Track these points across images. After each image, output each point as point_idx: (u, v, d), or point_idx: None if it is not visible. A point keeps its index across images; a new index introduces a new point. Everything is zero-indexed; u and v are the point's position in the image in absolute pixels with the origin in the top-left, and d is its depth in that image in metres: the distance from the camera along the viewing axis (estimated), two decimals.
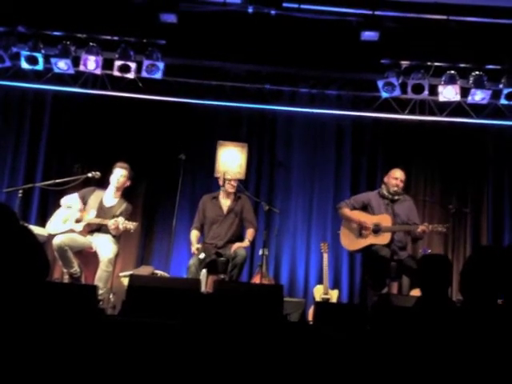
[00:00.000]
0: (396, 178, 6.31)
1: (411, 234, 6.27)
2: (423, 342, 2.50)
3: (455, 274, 5.77)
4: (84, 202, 6.20)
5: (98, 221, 6.02)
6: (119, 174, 6.23)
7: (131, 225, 5.90)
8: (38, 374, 2.08)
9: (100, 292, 5.56)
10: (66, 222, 6.10)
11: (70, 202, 6.20)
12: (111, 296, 6.05)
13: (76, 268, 5.88)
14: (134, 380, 3.38)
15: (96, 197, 6.21)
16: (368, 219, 6.25)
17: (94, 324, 3.67)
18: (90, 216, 6.06)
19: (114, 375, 3.18)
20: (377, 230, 6.17)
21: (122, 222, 5.86)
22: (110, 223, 5.87)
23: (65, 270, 5.95)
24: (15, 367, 2.04)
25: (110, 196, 6.26)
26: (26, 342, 2.09)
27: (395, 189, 6.28)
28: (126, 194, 6.50)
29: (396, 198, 6.30)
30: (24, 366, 2.06)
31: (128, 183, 6.36)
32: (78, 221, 6.06)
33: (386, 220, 6.19)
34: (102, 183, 6.42)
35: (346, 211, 6.37)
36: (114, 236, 6.08)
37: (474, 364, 2.34)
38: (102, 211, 6.11)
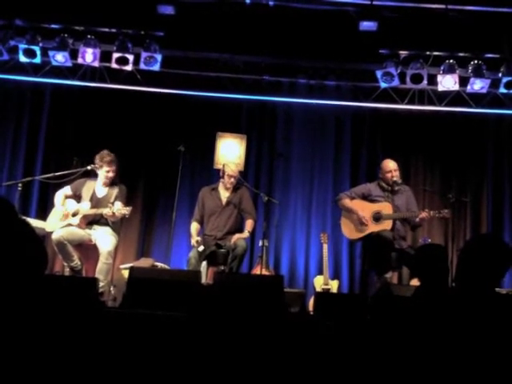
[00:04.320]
0: (390, 171, 6.31)
1: (410, 222, 6.27)
2: (422, 331, 2.51)
3: (455, 263, 5.76)
4: (77, 194, 6.18)
5: (93, 211, 6.00)
6: (108, 172, 6.15)
7: (126, 210, 5.88)
8: (39, 366, 2.09)
9: (101, 284, 5.56)
10: (62, 218, 6.09)
11: (60, 198, 6.19)
12: (112, 288, 6.06)
13: (76, 261, 5.88)
14: (135, 372, 3.39)
15: (88, 188, 6.18)
16: (369, 208, 6.26)
17: (95, 316, 3.68)
18: (85, 208, 6.04)
19: (115, 367, 3.19)
20: (378, 217, 6.18)
21: (116, 209, 5.85)
22: (105, 212, 5.86)
23: (65, 264, 5.95)
24: (15, 360, 2.05)
25: (100, 186, 6.22)
26: (26, 335, 2.10)
27: (395, 179, 6.28)
28: (125, 185, 6.46)
29: (396, 188, 6.30)
30: (24, 358, 2.07)
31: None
32: (74, 214, 6.05)
33: (386, 208, 6.20)
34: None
35: (347, 202, 6.37)
36: (113, 228, 6.08)
37: (472, 354, 2.35)
38: (97, 202, 6.09)
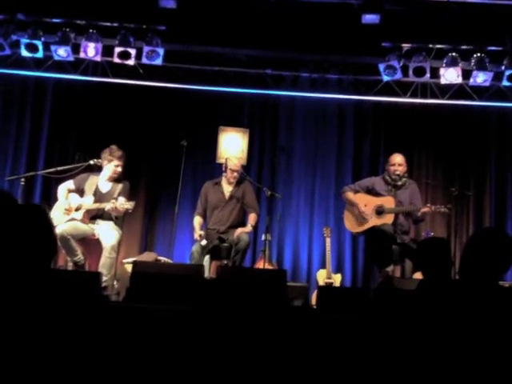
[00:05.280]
0: (394, 164, 6.32)
1: (412, 216, 6.28)
2: (426, 324, 2.51)
3: (458, 257, 5.77)
4: (80, 189, 6.18)
5: (96, 205, 6.01)
6: (118, 166, 6.17)
7: (129, 205, 5.89)
8: (42, 360, 2.09)
9: (104, 279, 5.58)
10: (65, 213, 6.10)
11: (63, 192, 6.20)
12: (115, 283, 6.07)
13: (80, 256, 5.89)
14: (138, 366, 3.40)
15: (91, 183, 6.18)
16: (371, 202, 6.26)
17: (99, 311, 3.69)
18: (88, 202, 6.05)
19: (119, 361, 3.20)
20: (380, 211, 6.19)
21: (119, 204, 5.86)
22: (108, 206, 5.87)
23: (68, 258, 5.96)
24: (19, 354, 2.06)
25: (104, 181, 6.23)
26: (30, 328, 2.10)
27: (397, 172, 6.28)
28: (128, 179, 6.46)
29: (399, 183, 6.30)
30: (28, 351, 2.07)
31: None
32: (77, 209, 6.06)
33: (389, 202, 6.21)
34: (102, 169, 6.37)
35: (350, 195, 6.39)
36: (116, 222, 6.08)
37: (476, 347, 2.35)
38: (100, 197, 6.10)
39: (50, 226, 2.38)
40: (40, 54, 7.20)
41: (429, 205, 6.29)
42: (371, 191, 6.36)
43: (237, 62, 7.62)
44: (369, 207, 6.25)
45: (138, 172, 7.77)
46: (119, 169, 6.17)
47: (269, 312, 3.98)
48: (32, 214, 2.32)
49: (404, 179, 6.34)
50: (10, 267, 2.22)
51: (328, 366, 3.53)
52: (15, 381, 2.04)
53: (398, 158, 6.36)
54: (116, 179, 6.22)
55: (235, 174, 6.45)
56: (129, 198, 6.13)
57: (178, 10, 6.70)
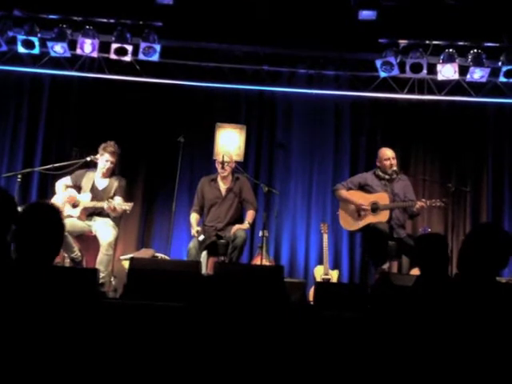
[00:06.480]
0: (388, 159, 6.29)
1: (408, 211, 6.27)
2: (423, 320, 2.51)
3: (455, 253, 5.77)
4: (77, 185, 6.18)
5: (93, 204, 6.00)
6: (108, 161, 6.15)
7: (127, 205, 5.89)
8: (39, 357, 2.09)
9: (101, 275, 5.58)
10: (65, 202, 6.09)
11: (61, 188, 6.19)
12: (112, 279, 6.07)
13: (77, 252, 5.89)
14: (136, 363, 3.40)
15: (88, 179, 6.18)
16: (365, 199, 6.24)
17: (96, 307, 3.69)
18: (85, 199, 6.04)
19: (116, 358, 3.20)
20: (375, 208, 6.18)
21: (117, 204, 5.86)
22: (106, 206, 5.87)
23: (66, 255, 5.96)
24: (17, 349, 2.06)
25: (100, 178, 6.22)
26: (28, 324, 2.11)
27: (394, 168, 6.27)
28: (125, 175, 6.47)
29: (393, 177, 6.29)
30: (26, 347, 2.07)
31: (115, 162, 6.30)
32: (74, 205, 6.05)
33: (383, 198, 6.19)
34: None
35: (343, 192, 6.35)
36: (113, 219, 6.08)
37: (473, 342, 2.36)
38: (97, 194, 6.09)
39: (62, 227, 2.41)
40: (36, 51, 7.18)
41: (424, 200, 6.26)
42: (364, 187, 6.34)
43: (234, 58, 7.62)
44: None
45: (135, 168, 7.77)
46: (109, 164, 6.14)
47: (266, 308, 3.98)
48: (49, 213, 2.35)
49: (398, 175, 6.34)
50: (17, 263, 2.24)
51: (325, 362, 3.53)
52: (13, 373, 2.05)
53: (389, 152, 6.33)
54: (110, 175, 6.21)
55: (226, 165, 6.39)
56: (125, 196, 6.14)
57: (174, 7, 6.70)
